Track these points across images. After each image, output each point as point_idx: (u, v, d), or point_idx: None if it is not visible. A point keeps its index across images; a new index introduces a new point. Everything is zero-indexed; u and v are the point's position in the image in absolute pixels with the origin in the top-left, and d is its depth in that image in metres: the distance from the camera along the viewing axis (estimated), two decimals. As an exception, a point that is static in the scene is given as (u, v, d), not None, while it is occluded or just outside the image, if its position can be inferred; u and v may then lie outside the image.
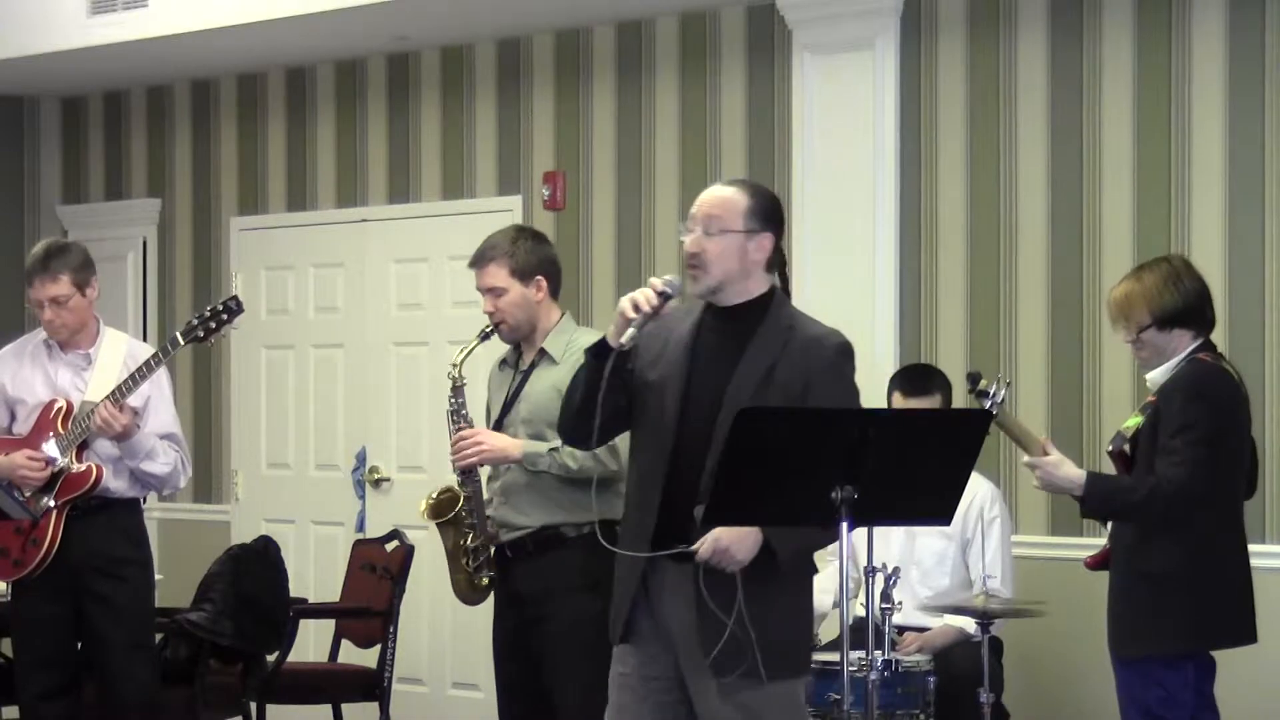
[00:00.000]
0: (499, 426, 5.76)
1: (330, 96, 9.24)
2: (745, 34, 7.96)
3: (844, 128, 7.56)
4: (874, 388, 7.01)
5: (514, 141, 8.64)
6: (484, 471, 5.85)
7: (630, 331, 4.57)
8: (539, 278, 5.75)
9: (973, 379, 5.50)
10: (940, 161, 7.44)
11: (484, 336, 5.83)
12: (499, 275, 5.73)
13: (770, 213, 4.73)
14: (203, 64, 9.35)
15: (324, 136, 9.27)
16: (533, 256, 5.77)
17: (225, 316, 6.26)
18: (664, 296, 4.60)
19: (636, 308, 4.58)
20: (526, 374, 5.76)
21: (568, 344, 5.70)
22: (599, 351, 4.63)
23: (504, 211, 8.61)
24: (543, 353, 5.74)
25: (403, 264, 9.02)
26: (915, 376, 6.69)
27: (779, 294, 4.77)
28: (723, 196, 4.70)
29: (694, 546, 4.56)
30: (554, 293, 5.81)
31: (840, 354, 4.74)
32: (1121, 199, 7.04)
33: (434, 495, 5.97)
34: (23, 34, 9.08)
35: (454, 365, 5.83)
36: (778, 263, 4.76)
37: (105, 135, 10.10)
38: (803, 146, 7.67)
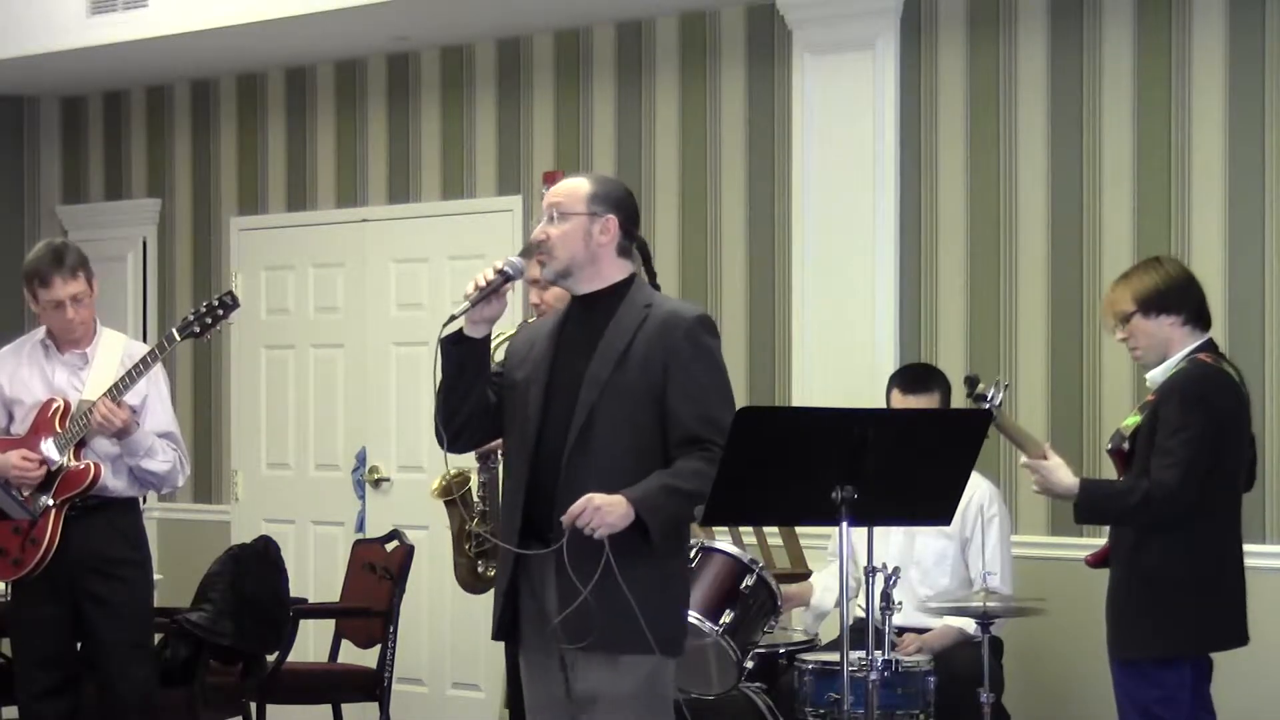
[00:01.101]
0: None
1: (330, 96, 9.24)
2: (745, 34, 7.96)
3: (844, 128, 7.56)
4: (874, 388, 7.03)
5: (514, 141, 8.64)
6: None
7: (464, 305, 4.60)
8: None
9: (970, 382, 5.51)
10: (940, 161, 7.44)
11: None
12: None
13: (613, 198, 4.74)
14: (203, 64, 9.35)
15: (324, 136, 9.27)
16: None
17: (221, 312, 6.26)
18: (503, 275, 4.63)
19: (476, 285, 4.62)
20: None
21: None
22: (453, 337, 4.67)
23: (504, 211, 8.62)
24: None
25: (403, 264, 9.02)
26: (914, 375, 6.70)
27: (639, 279, 4.78)
28: (567, 185, 4.76)
29: (564, 517, 4.50)
30: None
31: (698, 325, 4.67)
32: (1121, 199, 7.04)
33: (448, 475, 5.95)
34: (23, 34, 9.07)
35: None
36: (637, 251, 4.78)
37: (105, 135, 10.10)
38: (803, 146, 7.66)
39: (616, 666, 4.57)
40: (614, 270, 4.72)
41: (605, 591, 4.49)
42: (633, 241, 4.77)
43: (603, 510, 4.48)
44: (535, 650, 4.73)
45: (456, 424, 4.72)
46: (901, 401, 6.54)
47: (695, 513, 4.61)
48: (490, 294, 4.61)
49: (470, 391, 4.68)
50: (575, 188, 4.73)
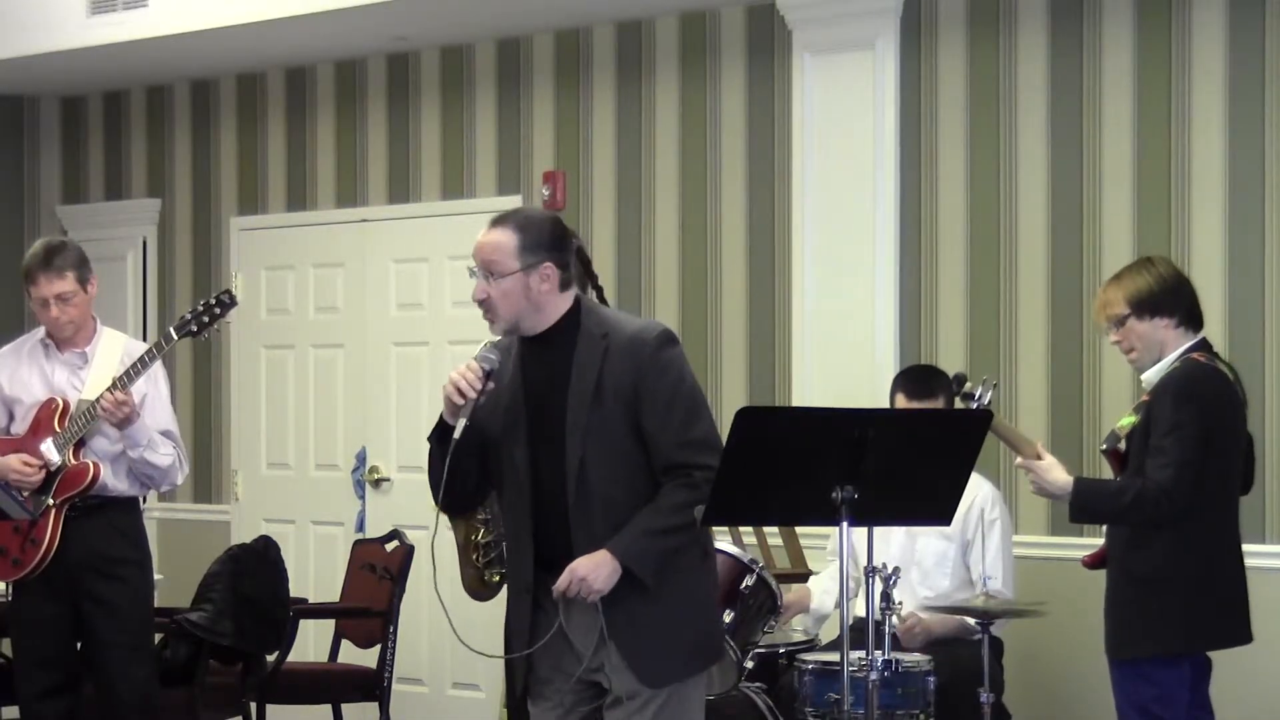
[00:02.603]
0: None
1: (330, 96, 9.24)
2: (745, 34, 7.96)
3: (844, 128, 7.56)
4: (875, 388, 7.04)
5: (514, 141, 8.64)
6: None
7: (463, 422, 4.57)
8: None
9: (958, 381, 5.51)
10: (940, 161, 7.44)
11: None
12: None
13: (543, 240, 4.63)
14: (203, 64, 9.35)
15: (324, 136, 9.27)
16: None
17: (219, 310, 6.27)
18: (486, 375, 4.60)
19: (461, 393, 4.58)
20: None
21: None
22: (440, 436, 4.64)
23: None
24: None
25: (403, 264, 9.02)
26: (919, 379, 6.68)
27: (585, 304, 4.73)
28: (492, 241, 4.64)
29: (555, 589, 4.58)
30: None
31: (661, 344, 4.64)
32: (1121, 200, 7.04)
33: None
34: (23, 34, 9.07)
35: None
36: (577, 274, 4.74)
37: (105, 135, 10.10)
38: (803, 146, 7.66)
39: (658, 696, 4.64)
40: (559, 306, 4.67)
41: (620, 644, 4.58)
42: (569, 270, 4.70)
43: (588, 580, 4.55)
44: (549, 684, 4.75)
45: (459, 499, 4.75)
46: (907, 406, 6.53)
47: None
48: (482, 394, 4.60)
49: (470, 469, 4.68)
50: (501, 243, 4.62)
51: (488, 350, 4.65)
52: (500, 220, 4.67)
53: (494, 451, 4.70)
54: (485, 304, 4.64)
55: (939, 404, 6.51)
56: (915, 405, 6.50)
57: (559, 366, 4.64)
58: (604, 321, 4.69)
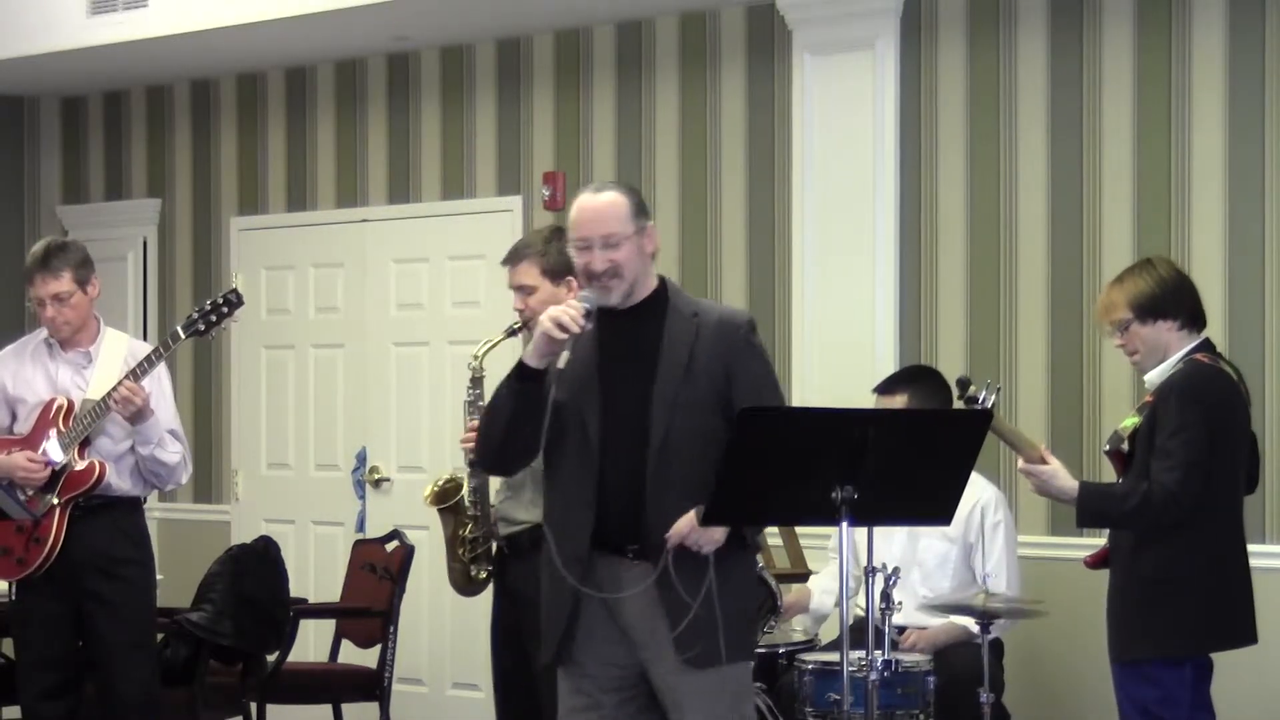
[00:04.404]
0: None
1: (330, 96, 9.24)
2: (745, 34, 7.96)
3: (844, 128, 7.56)
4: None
5: (514, 141, 8.64)
6: None
7: (565, 354, 4.57)
8: (570, 278, 5.75)
9: (961, 384, 5.52)
10: (940, 161, 7.44)
11: (511, 332, 5.85)
12: (530, 274, 5.74)
13: (643, 203, 4.78)
14: (203, 64, 9.35)
15: (324, 136, 9.27)
16: (565, 257, 5.75)
17: (225, 310, 6.28)
18: (588, 315, 4.61)
19: (563, 327, 4.57)
20: None
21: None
22: (526, 374, 4.63)
23: (504, 211, 8.62)
24: None
25: (403, 264, 9.02)
26: (889, 377, 6.72)
27: (670, 284, 4.80)
28: (609, 207, 4.69)
29: (669, 536, 4.61)
30: None
31: (751, 331, 4.78)
32: (1121, 199, 7.04)
33: (439, 482, 5.97)
34: (23, 34, 9.08)
35: (475, 357, 5.86)
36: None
37: (105, 135, 10.10)
38: (803, 146, 7.67)
39: (720, 672, 4.68)
40: (653, 277, 4.77)
41: (709, 606, 4.61)
42: None
43: (708, 530, 4.59)
44: (594, 667, 4.76)
45: (515, 452, 4.76)
46: (876, 404, 6.56)
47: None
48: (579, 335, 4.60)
49: (535, 421, 4.67)
50: (619, 206, 4.69)
51: (587, 291, 4.66)
52: (600, 187, 4.76)
53: (555, 420, 4.67)
54: (612, 270, 4.67)
55: (902, 401, 6.50)
56: (883, 403, 6.52)
57: (646, 341, 4.69)
58: (691, 301, 4.80)
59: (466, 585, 5.94)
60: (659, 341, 4.68)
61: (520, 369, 4.64)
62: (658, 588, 4.63)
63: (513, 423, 4.66)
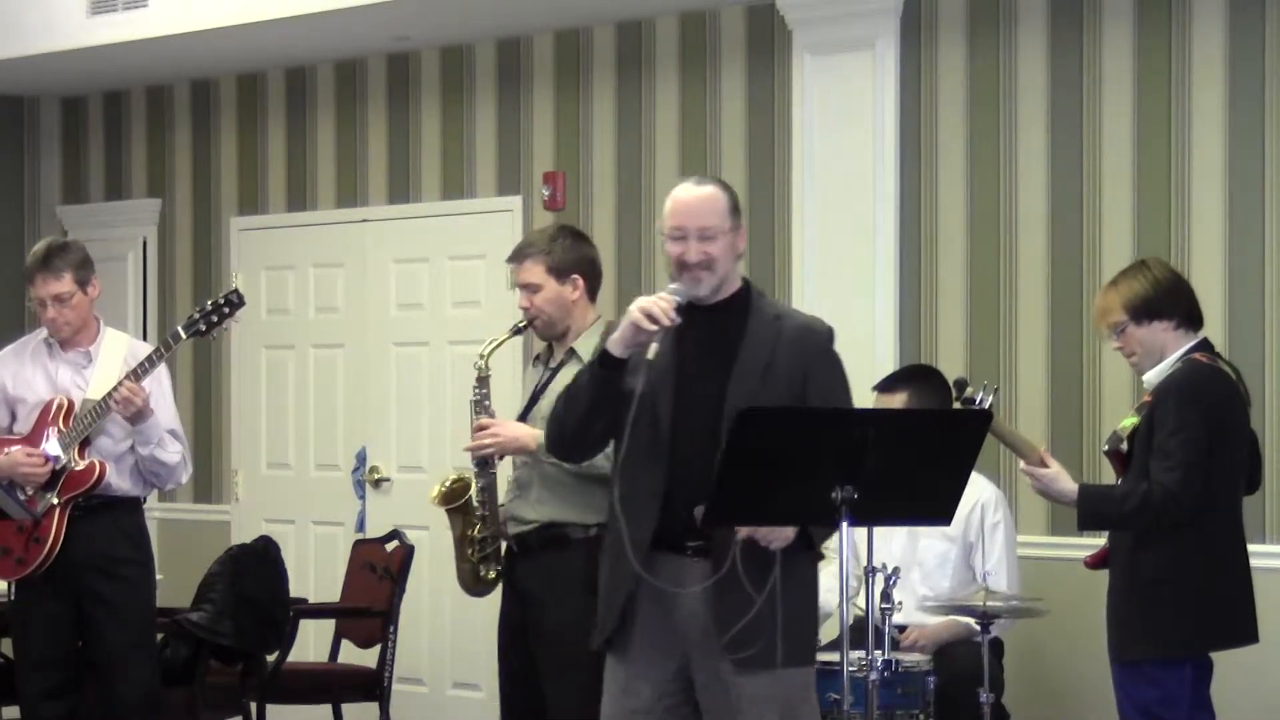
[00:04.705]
0: (523, 421, 5.77)
1: (330, 96, 9.24)
2: (745, 34, 7.96)
3: (844, 128, 7.56)
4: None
5: (514, 141, 8.64)
6: (506, 465, 5.87)
7: (654, 346, 4.55)
8: (575, 276, 5.75)
9: (959, 385, 5.51)
10: (940, 161, 7.44)
11: (516, 331, 5.85)
12: (535, 271, 5.75)
13: (739, 203, 4.78)
14: (203, 64, 9.35)
15: (324, 136, 9.27)
16: (570, 255, 5.78)
17: (227, 310, 6.28)
18: (678, 308, 4.59)
19: (652, 319, 4.54)
20: (554, 371, 5.77)
21: (598, 346, 5.70)
22: (608, 362, 4.62)
23: (504, 211, 8.62)
24: (571, 352, 5.72)
25: (403, 264, 9.02)
26: (891, 375, 6.72)
27: (754, 286, 4.81)
28: (710, 200, 4.69)
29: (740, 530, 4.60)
30: (591, 293, 5.80)
31: (831, 341, 4.80)
32: (1121, 199, 7.04)
33: (447, 482, 5.97)
34: (23, 34, 9.08)
35: (481, 356, 5.85)
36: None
37: (105, 135, 10.10)
38: (803, 146, 7.67)
39: (774, 676, 4.65)
40: (737, 278, 4.78)
41: (771, 604, 4.59)
42: None
43: (776, 531, 4.60)
44: (640, 659, 4.73)
45: (589, 441, 4.77)
46: (876, 403, 6.56)
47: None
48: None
49: (611, 411, 4.66)
50: (719, 200, 4.70)
51: (677, 285, 4.64)
52: (701, 180, 4.76)
53: (626, 410, 4.63)
54: (705, 262, 4.67)
55: (902, 399, 6.50)
56: (883, 401, 6.52)
57: (727, 340, 4.68)
58: (774, 305, 4.85)
59: (475, 585, 5.93)
60: (739, 341, 4.68)
61: (603, 357, 4.63)
62: (717, 586, 4.61)
63: (591, 411, 4.66)
